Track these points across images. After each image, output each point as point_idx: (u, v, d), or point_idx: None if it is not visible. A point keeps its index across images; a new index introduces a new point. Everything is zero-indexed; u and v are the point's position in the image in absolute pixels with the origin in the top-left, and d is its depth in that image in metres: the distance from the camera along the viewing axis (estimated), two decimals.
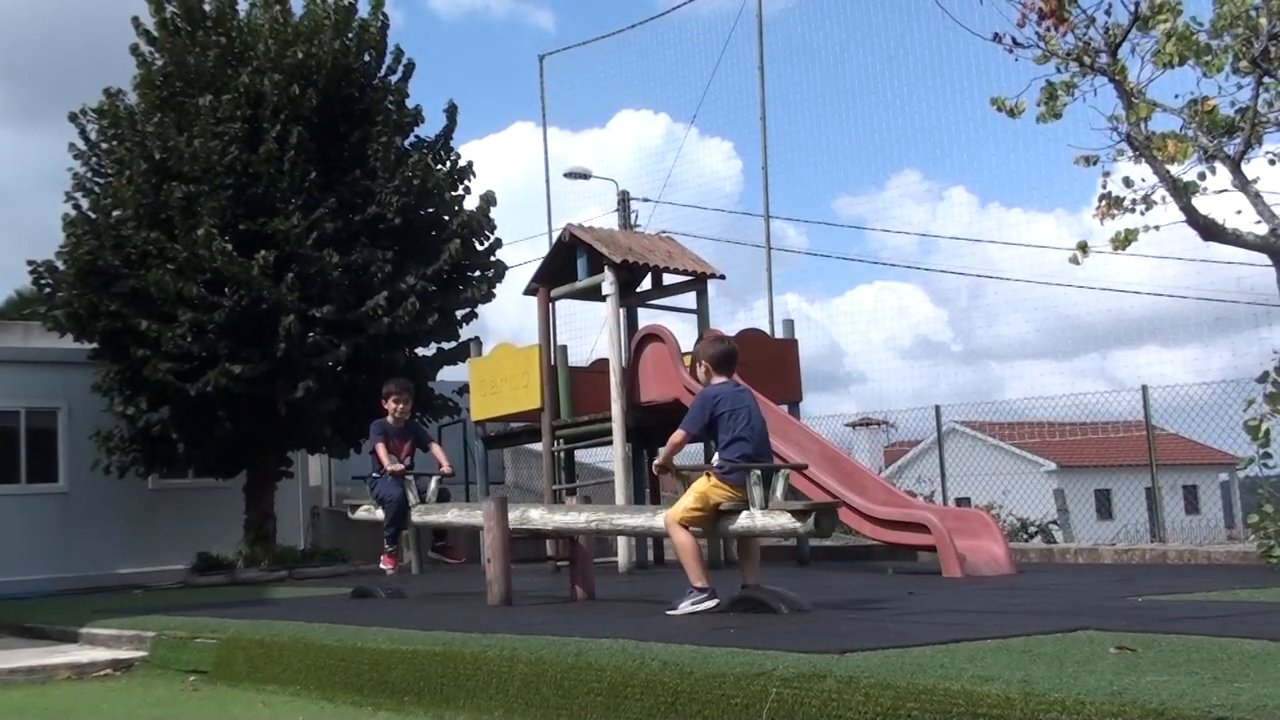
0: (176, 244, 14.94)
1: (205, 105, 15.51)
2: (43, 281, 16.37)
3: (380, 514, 9.68)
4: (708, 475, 6.72)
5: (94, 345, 16.50)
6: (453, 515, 9.35)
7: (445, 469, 9.75)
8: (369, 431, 9.90)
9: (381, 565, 9.81)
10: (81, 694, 6.44)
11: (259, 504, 17.05)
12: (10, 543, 17.07)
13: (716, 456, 6.76)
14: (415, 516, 9.52)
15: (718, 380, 6.85)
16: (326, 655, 5.98)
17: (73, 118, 16.61)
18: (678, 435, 6.96)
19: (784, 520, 6.38)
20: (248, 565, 16.15)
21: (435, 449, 10.04)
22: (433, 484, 9.63)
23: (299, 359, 15.03)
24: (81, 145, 16.67)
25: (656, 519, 7.20)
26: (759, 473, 6.48)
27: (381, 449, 9.61)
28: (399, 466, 9.52)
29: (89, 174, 16.69)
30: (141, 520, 18.12)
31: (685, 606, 6.48)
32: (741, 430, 6.57)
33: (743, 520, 6.54)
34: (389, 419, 9.86)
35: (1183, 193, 9.52)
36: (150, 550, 17.85)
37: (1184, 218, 9.66)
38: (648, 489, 13.76)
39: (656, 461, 7.23)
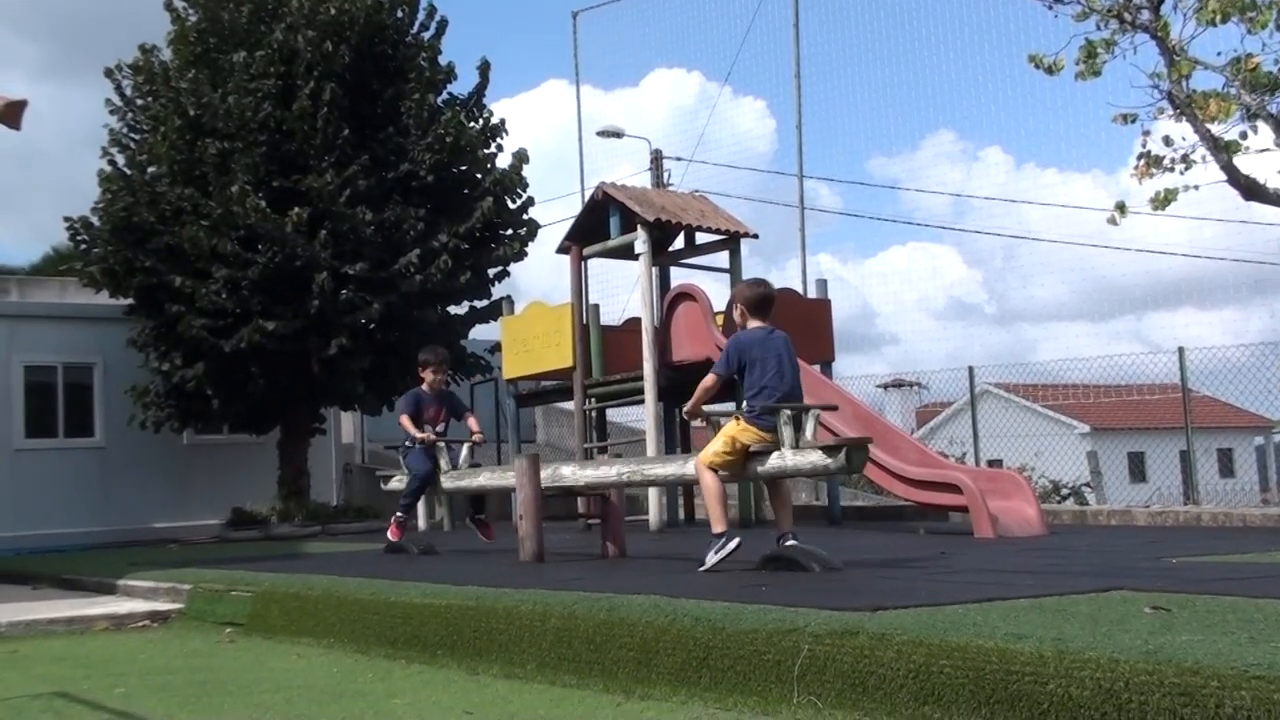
0: (211, 200, 14.99)
1: (239, 62, 15.51)
2: (79, 238, 16.46)
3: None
4: (737, 419, 6.71)
5: (129, 301, 16.59)
6: (484, 479, 9.34)
7: (477, 435, 9.76)
8: (402, 398, 9.92)
9: (389, 535, 9.72)
10: (119, 644, 6.52)
11: (292, 460, 17.17)
12: (48, 496, 17.27)
13: (746, 401, 6.75)
14: (447, 483, 9.52)
15: (753, 324, 6.82)
16: (360, 609, 6.03)
17: (108, 74, 16.65)
18: (708, 379, 6.95)
19: (814, 457, 6.36)
20: (281, 521, 16.28)
21: (470, 419, 10.01)
22: (464, 450, 9.63)
23: (332, 316, 15.08)
24: (117, 101, 16.72)
25: (688, 466, 7.19)
26: (789, 413, 6.47)
27: (406, 420, 9.63)
28: (429, 435, 9.54)
29: (125, 130, 16.74)
30: (177, 475, 18.29)
31: (711, 558, 6.50)
32: (771, 377, 6.55)
33: (773, 460, 6.54)
34: (424, 387, 9.87)
35: (1224, 152, 9.41)
36: (185, 505, 18.02)
37: (1224, 177, 9.56)
38: (679, 448, 13.77)
39: (686, 407, 7.21)
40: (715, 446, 6.72)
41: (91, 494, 17.73)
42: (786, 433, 6.45)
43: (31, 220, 74.62)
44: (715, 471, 6.74)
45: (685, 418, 7.90)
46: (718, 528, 6.59)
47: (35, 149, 74.48)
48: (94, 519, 17.35)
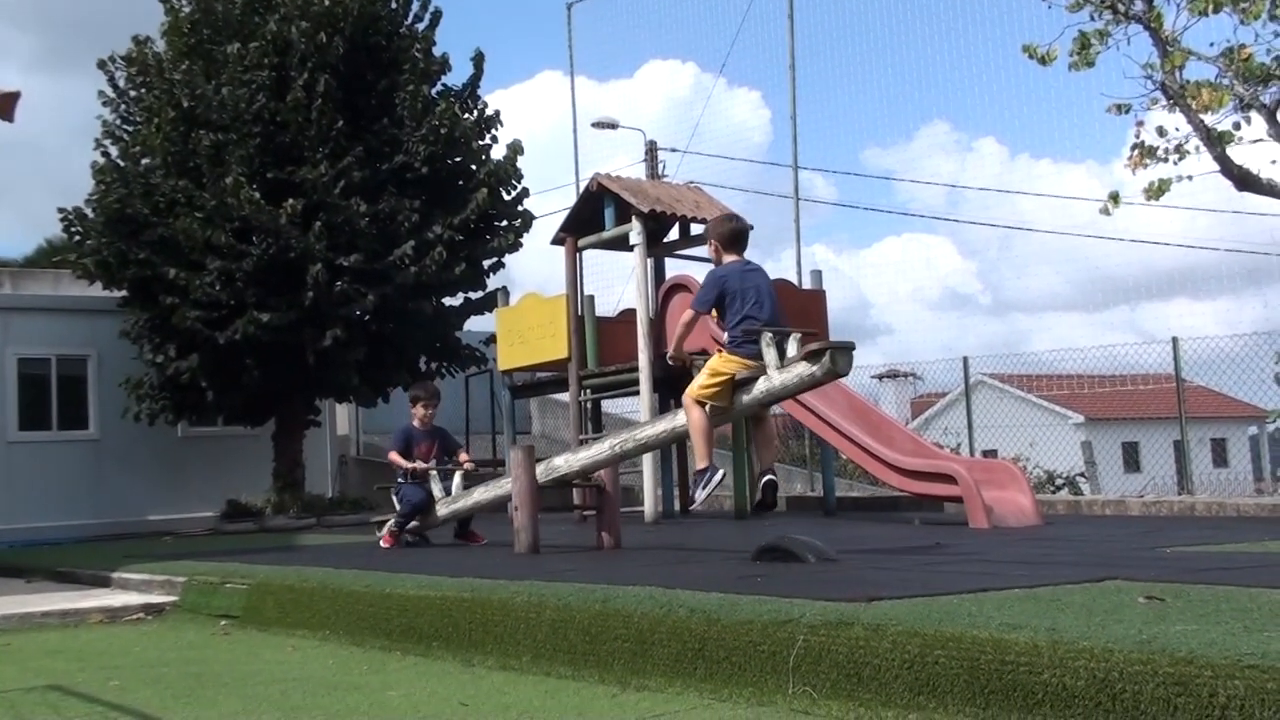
0: (205, 192, 14.97)
1: (233, 53, 15.47)
2: (73, 229, 16.42)
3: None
4: (719, 351, 6.74)
5: (123, 293, 16.57)
6: (479, 495, 9.29)
7: (467, 464, 9.80)
8: (393, 435, 10.00)
9: (381, 543, 9.66)
10: (114, 637, 6.51)
11: (287, 452, 17.16)
12: (42, 489, 17.26)
13: (725, 334, 6.77)
14: (442, 510, 9.52)
15: (728, 259, 6.85)
16: (355, 601, 6.03)
17: (101, 65, 16.61)
18: (686, 315, 6.98)
19: (799, 369, 6.38)
20: (276, 513, 16.28)
21: (461, 455, 9.98)
22: (457, 477, 9.63)
23: (327, 308, 15.07)
24: (110, 93, 16.68)
25: (679, 417, 7.18)
26: (770, 335, 6.48)
27: (396, 456, 9.70)
28: (418, 465, 9.57)
29: (118, 122, 16.70)
30: (171, 467, 18.28)
31: (700, 494, 6.59)
32: (751, 307, 6.58)
33: (760, 384, 6.56)
34: (415, 422, 9.90)
35: (1217, 142, 9.41)
36: (180, 497, 18.01)
37: (1218, 168, 9.57)
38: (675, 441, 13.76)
39: (669, 350, 7.24)
40: (700, 379, 6.74)
41: (86, 486, 17.72)
42: (770, 354, 6.46)
43: (25, 212, 74.51)
44: (703, 407, 6.74)
45: (670, 362, 7.91)
46: (701, 463, 6.67)
47: (29, 141, 74.32)
48: (88, 511, 17.33)
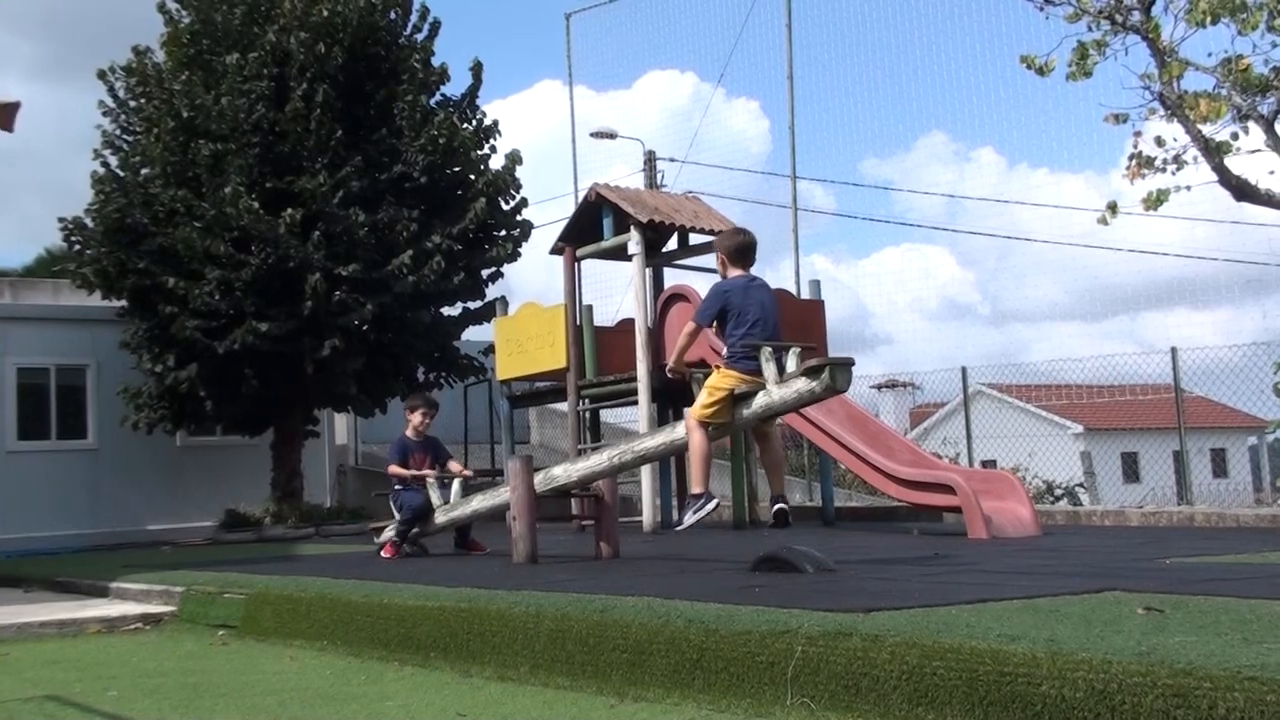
0: (204, 202, 14.97)
1: (232, 63, 15.48)
2: (72, 239, 16.41)
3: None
4: (717, 367, 6.74)
5: (122, 303, 16.56)
6: (477, 503, 9.31)
7: (465, 472, 9.89)
8: (390, 447, 10.03)
9: (382, 554, 9.68)
10: (112, 647, 6.51)
11: (286, 462, 17.14)
12: (41, 499, 17.23)
13: (725, 349, 6.77)
14: (440, 517, 9.55)
15: (734, 273, 6.85)
16: (353, 611, 6.03)
17: (101, 75, 16.62)
18: (689, 327, 6.99)
19: (799, 385, 6.40)
20: (275, 522, 16.26)
21: (453, 464, 10.04)
22: (455, 485, 9.67)
23: (325, 317, 15.06)
24: (110, 103, 16.68)
25: (678, 430, 7.18)
26: (770, 350, 6.48)
27: (395, 468, 9.77)
28: (419, 471, 9.61)
29: (118, 132, 16.70)
30: (170, 477, 18.25)
31: (688, 518, 6.58)
32: (751, 324, 6.59)
33: (760, 399, 6.57)
34: (409, 431, 9.94)
35: (1215, 153, 9.43)
36: (179, 507, 17.99)
37: (1216, 178, 9.58)
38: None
39: (669, 362, 7.22)
40: (701, 399, 6.75)
41: (84, 496, 17.69)
42: (769, 369, 6.47)
43: (24, 221, 74.54)
44: (706, 428, 6.75)
45: (669, 375, 7.91)
46: (697, 488, 6.66)
47: (28, 150, 74.43)
48: (87, 521, 17.31)
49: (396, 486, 9.80)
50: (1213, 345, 13.79)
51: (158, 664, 5.76)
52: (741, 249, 6.91)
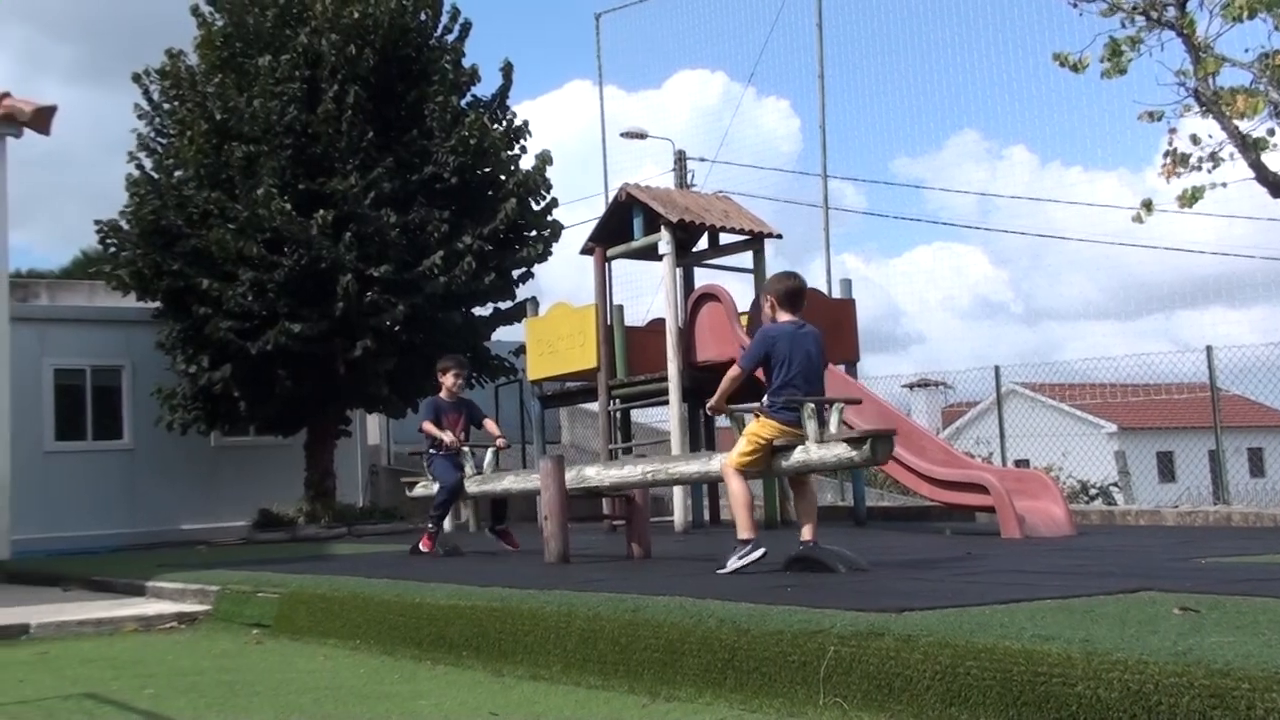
0: (237, 204, 15.07)
1: (264, 66, 15.58)
2: (108, 241, 16.56)
3: (435, 488, 9.74)
4: (757, 415, 6.69)
5: (157, 304, 16.70)
6: (509, 482, 9.35)
7: (500, 442, 9.77)
8: (421, 407, 9.95)
9: (420, 547, 9.68)
10: (148, 645, 6.55)
11: (319, 462, 17.23)
12: (78, 499, 17.38)
13: (766, 396, 6.73)
14: (472, 487, 9.53)
15: (783, 317, 6.77)
16: (386, 610, 6.05)
17: (136, 79, 16.76)
18: (733, 370, 6.92)
19: (839, 450, 6.35)
20: (308, 522, 16.35)
21: (489, 423, 10.00)
22: (489, 455, 9.66)
23: (357, 318, 15.13)
24: (145, 106, 16.82)
25: (712, 463, 7.18)
26: (813, 406, 6.45)
27: (430, 426, 9.65)
28: (452, 437, 9.55)
29: (152, 134, 16.84)
30: (204, 477, 18.37)
31: (733, 563, 6.45)
32: (795, 374, 6.52)
33: (798, 455, 6.53)
34: (443, 394, 9.89)
35: (1252, 149, 9.35)
36: (213, 507, 18.10)
37: (1253, 175, 9.50)
38: (704, 449, 13.77)
39: (710, 402, 7.17)
40: (740, 448, 6.70)
41: (120, 496, 17.83)
42: (810, 426, 6.44)
43: (61, 224, 75.27)
44: (743, 474, 6.71)
45: (709, 413, 7.87)
46: (744, 534, 6.53)
47: (65, 153, 75.10)
48: (122, 521, 17.45)
49: (431, 450, 9.73)
50: (1249, 344, 13.69)
51: (193, 662, 5.80)
52: (791, 294, 6.81)
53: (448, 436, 9.54)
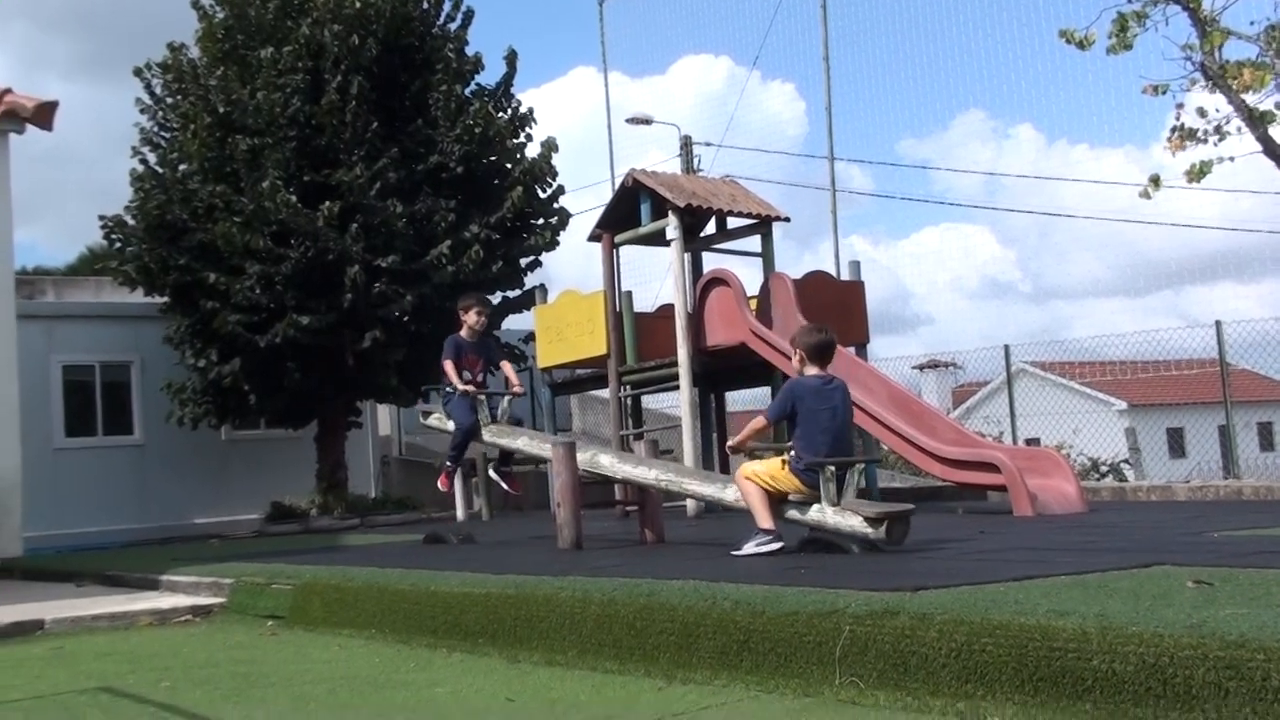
0: (242, 197, 15.08)
1: (267, 57, 15.57)
2: (114, 237, 16.58)
3: (450, 425, 9.66)
4: (784, 463, 6.65)
5: (164, 299, 16.72)
6: (523, 442, 9.33)
7: (516, 389, 9.71)
8: (445, 343, 9.80)
9: (439, 484, 9.74)
10: (163, 639, 6.57)
11: (330, 453, 17.26)
12: (89, 494, 17.43)
13: (793, 448, 6.67)
14: (486, 436, 9.45)
15: (810, 370, 6.73)
16: (401, 599, 6.06)
17: (138, 73, 16.75)
18: (758, 421, 6.90)
19: (854, 522, 6.29)
20: (320, 514, 16.39)
21: (506, 366, 9.93)
22: (504, 403, 9.59)
23: (365, 309, 15.14)
24: (147, 100, 16.82)
25: (726, 492, 7.19)
26: (833, 469, 6.42)
27: (450, 367, 9.49)
28: (470, 387, 9.49)
29: (155, 129, 16.85)
30: (215, 471, 18.42)
31: (749, 547, 6.46)
32: (820, 432, 6.48)
33: (813, 513, 6.50)
34: (464, 332, 9.79)
35: (1259, 122, 9.31)
36: (225, 500, 18.15)
37: (1260, 148, 9.46)
38: (714, 434, 13.77)
39: (731, 442, 7.12)
40: (758, 469, 6.69)
41: (131, 491, 17.89)
42: (828, 490, 6.41)
43: (66, 221, 75.28)
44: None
45: (729, 451, 7.84)
46: (764, 524, 6.54)
47: (68, 149, 75.10)
48: (134, 516, 17.50)
49: (448, 389, 9.59)
50: (1259, 318, 13.65)
51: (208, 654, 5.81)
52: (820, 348, 6.77)
53: (464, 384, 9.43)
